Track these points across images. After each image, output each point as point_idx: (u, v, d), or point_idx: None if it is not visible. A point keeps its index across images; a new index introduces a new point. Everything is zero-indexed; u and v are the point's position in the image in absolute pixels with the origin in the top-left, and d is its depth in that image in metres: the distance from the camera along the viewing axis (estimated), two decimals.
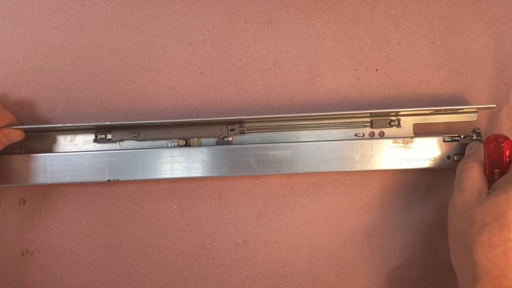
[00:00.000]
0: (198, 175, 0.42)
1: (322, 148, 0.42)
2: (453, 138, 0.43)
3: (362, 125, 0.44)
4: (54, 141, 0.44)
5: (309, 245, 0.45)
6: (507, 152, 0.38)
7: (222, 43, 0.45)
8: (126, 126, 0.43)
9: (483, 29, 0.45)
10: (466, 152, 0.41)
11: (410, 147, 0.42)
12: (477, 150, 0.40)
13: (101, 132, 0.43)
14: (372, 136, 0.44)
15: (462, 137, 0.43)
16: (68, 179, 0.42)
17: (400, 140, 0.42)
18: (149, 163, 0.42)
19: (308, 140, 0.44)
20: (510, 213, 0.33)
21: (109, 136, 0.43)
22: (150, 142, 0.44)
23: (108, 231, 0.45)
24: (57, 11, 0.44)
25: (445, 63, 0.45)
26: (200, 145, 0.43)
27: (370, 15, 0.45)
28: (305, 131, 0.44)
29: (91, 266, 0.44)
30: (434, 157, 0.43)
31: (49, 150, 0.43)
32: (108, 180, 0.41)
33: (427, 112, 0.43)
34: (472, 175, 0.37)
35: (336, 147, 0.42)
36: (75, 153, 0.42)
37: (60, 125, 0.42)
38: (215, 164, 0.42)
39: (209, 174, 0.42)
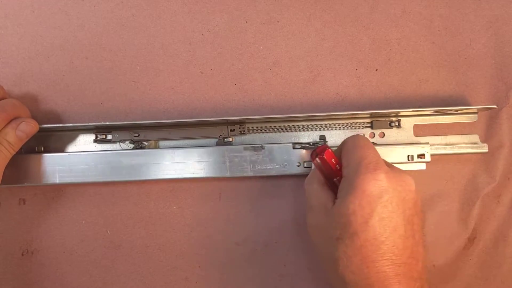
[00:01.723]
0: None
1: None
2: (302, 145, 0.42)
3: (362, 126, 0.44)
4: (55, 141, 0.44)
5: (309, 245, 0.45)
6: (332, 160, 0.36)
7: (222, 43, 0.45)
8: (126, 126, 0.43)
9: (483, 29, 0.45)
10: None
11: (260, 154, 0.42)
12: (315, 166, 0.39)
13: (101, 132, 0.43)
14: (372, 137, 0.44)
15: (311, 144, 0.42)
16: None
17: (250, 147, 0.42)
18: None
19: (308, 141, 0.44)
20: (353, 219, 0.32)
21: (109, 137, 0.43)
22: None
23: (108, 231, 0.45)
24: (57, 11, 0.44)
25: (445, 63, 0.45)
26: (157, 147, 0.43)
27: (370, 15, 0.45)
28: (305, 131, 0.44)
29: (91, 266, 0.44)
30: (285, 163, 0.42)
31: (50, 150, 0.43)
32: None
33: (427, 113, 0.43)
34: (313, 191, 0.36)
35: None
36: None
37: (61, 125, 0.42)
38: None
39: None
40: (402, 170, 0.35)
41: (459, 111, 0.43)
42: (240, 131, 0.43)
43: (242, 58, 0.45)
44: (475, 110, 0.43)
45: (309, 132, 0.44)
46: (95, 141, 0.43)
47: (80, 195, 0.44)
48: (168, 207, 0.45)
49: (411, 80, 0.45)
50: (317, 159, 0.37)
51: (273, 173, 0.42)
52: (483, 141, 0.44)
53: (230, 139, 0.43)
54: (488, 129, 0.45)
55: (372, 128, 0.44)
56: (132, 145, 0.43)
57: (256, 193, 0.45)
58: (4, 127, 0.38)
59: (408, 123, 0.44)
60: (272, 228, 0.45)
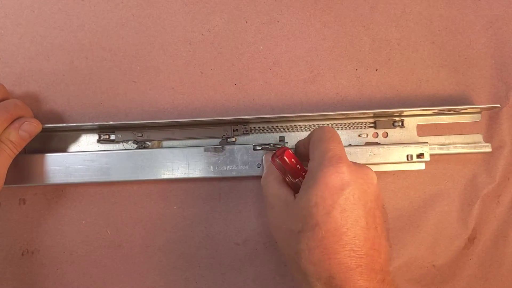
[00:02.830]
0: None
1: None
2: (263, 146, 0.42)
3: (365, 125, 0.44)
4: (57, 141, 0.44)
5: None
6: (293, 160, 0.37)
7: (222, 43, 0.45)
8: (130, 126, 0.42)
9: (483, 29, 0.45)
10: (264, 165, 0.41)
11: (221, 155, 0.42)
12: (270, 163, 0.39)
13: (104, 132, 0.43)
14: (375, 137, 0.44)
15: (271, 145, 0.42)
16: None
17: (211, 148, 0.42)
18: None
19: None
20: (315, 211, 0.31)
21: (112, 137, 0.43)
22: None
23: (108, 231, 0.45)
24: (57, 11, 0.44)
25: (445, 63, 0.45)
26: (161, 147, 0.43)
27: (370, 15, 0.45)
28: (308, 131, 0.44)
29: (91, 266, 0.44)
30: (245, 165, 0.42)
31: (52, 150, 0.43)
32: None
33: (431, 112, 0.43)
34: (273, 189, 0.37)
35: None
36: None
37: (64, 124, 0.42)
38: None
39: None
40: (364, 165, 0.35)
41: (462, 111, 0.43)
42: (243, 131, 0.43)
43: (242, 58, 0.45)
44: (479, 110, 0.43)
45: None
46: (98, 141, 0.43)
47: (80, 195, 0.44)
48: (168, 207, 0.45)
49: (411, 80, 0.45)
50: (277, 159, 0.37)
51: (234, 174, 0.42)
52: (484, 141, 0.44)
53: (234, 139, 0.43)
54: (489, 129, 0.45)
55: (375, 128, 0.44)
56: (135, 145, 0.43)
57: (257, 193, 0.45)
58: (7, 127, 0.38)
59: (411, 123, 0.44)
60: None
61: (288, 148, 0.37)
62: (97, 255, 0.45)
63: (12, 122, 0.38)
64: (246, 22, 0.45)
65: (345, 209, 0.32)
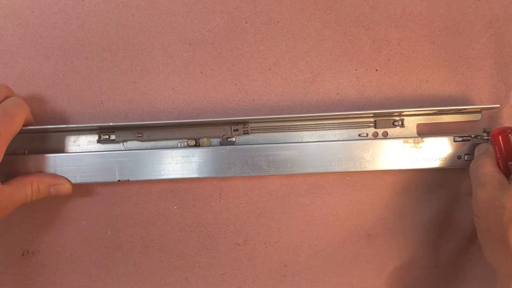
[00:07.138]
0: (199, 175, 0.42)
1: (325, 149, 0.42)
2: (463, 137, 0.42)
3: (365, 125, 0.44)
4: (57, 141, 0.43)
5: (309, 245, 0.45)
6: None
7: (222, 43, 0.45)
8: (130, 127, 0.42)
9: (483, 29, 0.45)
10: (476, 153, 0.42)
11: (420, 147, 0.42)
12: (486, 149, 0.40)
13: (104, 132, 0.43)
14: (375, 136, 0.44)
15: (473, 136, 0.42)
16: (70, 179, 0.41)
17: (410, 140, 0.42)
18: (152, 163, 0.42)
19: (311, 140, 0.44)
20: None
21: (112, 137, 0.43)
22: (153, 142, 0.44)
23: (108, 231, 0.45)
24: (57, 11, 0.44)
25: (445, 63, 0.45)
26: (210, 145, 0.43)
27: (370, 15, 0.45)
28: (308, 131, 0.44)
29: (91, 266, 0.44)
30: (444, 156, 0.42)
31: (53, 150, 0.43)
32: (119, 180, 0.42)
33: (431, 112, 0.43)
34: (487, 169, 0.38)
35: (341, 148, 0.42)
36: (78, 153, 0.42)
37: (64, 125, 0.42)
38: (216, 164, 0.42)
39: (211, 175, 0.42)
40: None
41: (462, 110, 0.43)
42: (243, 131, 0.43)
43: (242, 58, 0.45)
44: (479, 109, 0.44)
45: (313, 131, 0.44)
46: (98, 141, 0.43)
47: (80, 195, 0.44)
48: (168, 207, 0.45)
49: (411, 80, 0.45)
50: (499, 137, 0.38)
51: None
52: None
53: (234, 139, 0.43)
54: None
55: (375, 127, 0.44)
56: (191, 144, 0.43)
57: (257, 193, 0.45)
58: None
59: (411, 122, 0.44)
60: (272, 228, 0.45)
61: None
62: (97, 255, 0.45)
63: (46, 176, 0.40)
64: (246, 22, 0.45)
65: None
